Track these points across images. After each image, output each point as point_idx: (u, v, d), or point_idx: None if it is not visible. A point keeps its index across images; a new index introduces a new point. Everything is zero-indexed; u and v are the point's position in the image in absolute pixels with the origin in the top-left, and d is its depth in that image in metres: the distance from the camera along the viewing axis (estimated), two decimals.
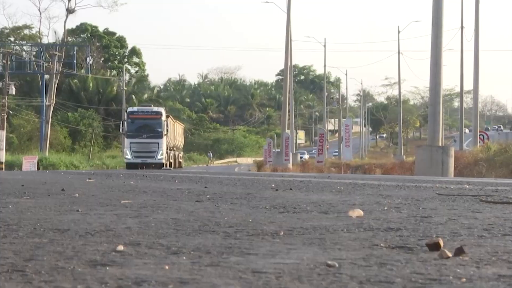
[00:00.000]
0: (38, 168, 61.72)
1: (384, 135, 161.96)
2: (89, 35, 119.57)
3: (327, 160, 62.75)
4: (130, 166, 55.17)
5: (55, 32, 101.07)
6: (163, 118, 57.50)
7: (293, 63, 77.62)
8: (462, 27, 62.81)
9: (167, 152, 58.77)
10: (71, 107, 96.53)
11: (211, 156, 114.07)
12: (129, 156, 56.96)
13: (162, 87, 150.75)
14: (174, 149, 63.98)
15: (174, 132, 63.81)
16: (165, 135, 57.32)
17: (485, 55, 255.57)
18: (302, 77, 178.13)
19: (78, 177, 13.98)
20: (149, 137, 56.63)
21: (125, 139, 58.57)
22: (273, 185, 8.84)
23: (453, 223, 4.32)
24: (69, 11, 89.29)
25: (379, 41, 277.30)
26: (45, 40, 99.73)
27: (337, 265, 2.59)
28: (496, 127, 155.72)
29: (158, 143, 56.80)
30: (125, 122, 58.08)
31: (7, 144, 71.98)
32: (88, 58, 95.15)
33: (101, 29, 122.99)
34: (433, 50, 29.66)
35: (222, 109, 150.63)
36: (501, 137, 70.34)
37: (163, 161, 56.55)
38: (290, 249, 3.04)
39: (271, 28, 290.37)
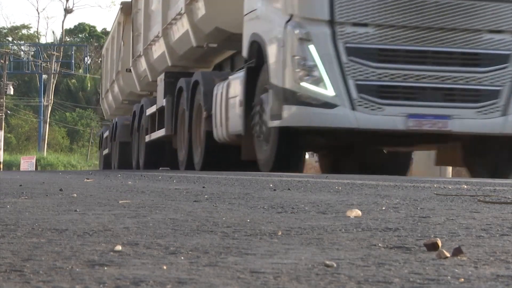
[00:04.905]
0: (36, 168, 61.71)
1: None
2: (87, 35, 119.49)
3: None
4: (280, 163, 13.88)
5: (53, 32, 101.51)
6: None
7: None
8: None
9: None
10: (69, 107, 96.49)
11: None
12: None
13: None
14: None
15: None
16: None
17: None
18: None
19: (76, 177, 13.97)
20: None
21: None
22: (271, 185, 8.83)
23: (451, 223, 4.32)
24: (67, 11, 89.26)
25: None
26: (43, 40, 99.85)
27: (335, 265, 2.59)
28: None
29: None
30: None
31: (5, 144, 71.92)
32: (86, 58, 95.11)
33: (99, 29, 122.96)
34: None
35: None
36: None
37: None
38: (288, 249, 3.03)
39: None
